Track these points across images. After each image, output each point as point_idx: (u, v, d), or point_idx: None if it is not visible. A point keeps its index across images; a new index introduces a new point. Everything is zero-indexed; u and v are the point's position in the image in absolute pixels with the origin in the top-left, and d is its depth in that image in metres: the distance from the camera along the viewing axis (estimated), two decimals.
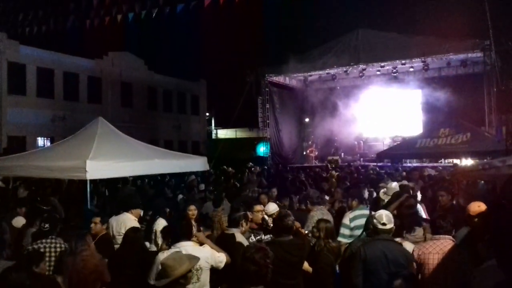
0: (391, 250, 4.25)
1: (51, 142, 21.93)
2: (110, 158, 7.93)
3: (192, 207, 6.46)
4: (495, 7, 15.61)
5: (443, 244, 4.26)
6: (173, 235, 4.77)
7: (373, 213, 4.85)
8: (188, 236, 4.47)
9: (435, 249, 4.25)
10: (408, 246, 4.70)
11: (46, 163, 8.16)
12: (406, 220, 5.41)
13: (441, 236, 4.36)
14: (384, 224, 4.36)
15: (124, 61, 27.63)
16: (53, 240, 4.92)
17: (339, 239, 5.56)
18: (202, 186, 10.62)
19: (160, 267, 3.99)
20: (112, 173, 8.06)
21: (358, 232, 5.44)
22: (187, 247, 4.30)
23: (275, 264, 3.30)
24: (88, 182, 7.52)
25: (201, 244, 4.60)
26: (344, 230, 5.76)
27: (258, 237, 5.45)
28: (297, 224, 5.12)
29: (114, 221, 6.16)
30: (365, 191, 8.69)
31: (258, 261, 3.18)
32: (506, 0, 15.40)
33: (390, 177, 10.74)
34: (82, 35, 19.16)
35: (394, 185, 7.41)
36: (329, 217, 5.88)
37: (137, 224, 6.04)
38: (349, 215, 5.87)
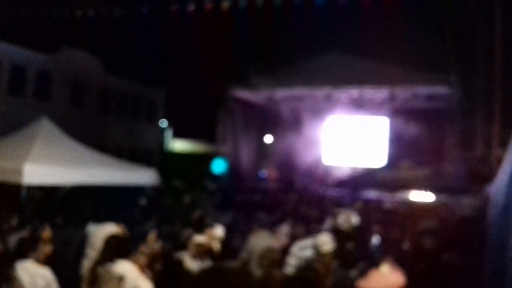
0: None
1: None
2: (52, 162, 7.72)
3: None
4: (464, 44, 16.36)
5: None
6: None
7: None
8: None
9: None
10: None
11: None
12: None
13: None
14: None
15: (78, 59, 27.02)
16: None
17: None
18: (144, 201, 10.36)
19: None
20: (51, 179, 7.83)
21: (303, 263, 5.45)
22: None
23: None
24: (23, 187, 7.27)
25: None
26: (291, 260, 5.77)
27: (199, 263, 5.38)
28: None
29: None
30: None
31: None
32: (475, 38, 16.18)
33: (347, 207, 10.89)
34: (35, 27, 18.65)
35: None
36: (272, 242, 5.90)
37: None
38: (298, 245, 5.91)
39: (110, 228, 5.65)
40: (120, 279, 3.92)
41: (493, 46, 15.12)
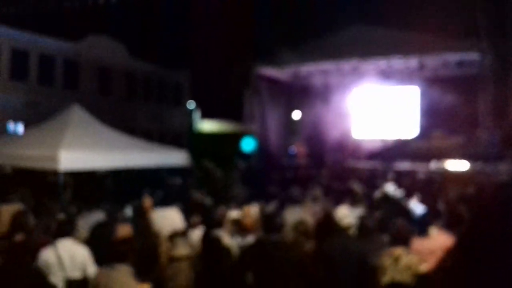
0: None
1: (24, 128, 21.67)
2: (85, 148, 7.88)
3: None
4: (495, 6, 15.78)
5: None
6: None
7: None
8: None
9: None
10: None
11: (16, 150, 8.08)
12: None
13: None
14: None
15: (103, 45, 27.31)
16: None
17: None
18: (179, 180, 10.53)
19: None
20: (86, 164, 8.00)
21: None
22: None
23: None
24: (60, 173, 7.46)
25: None
26: None
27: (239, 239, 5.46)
28: None
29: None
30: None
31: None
32: (507, 0, 15.57)
33: (380, 179, 10.88)
34: (59, 16, 18.90)
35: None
36: (304, 215, 5.96)
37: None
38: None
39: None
40: None
41: None
